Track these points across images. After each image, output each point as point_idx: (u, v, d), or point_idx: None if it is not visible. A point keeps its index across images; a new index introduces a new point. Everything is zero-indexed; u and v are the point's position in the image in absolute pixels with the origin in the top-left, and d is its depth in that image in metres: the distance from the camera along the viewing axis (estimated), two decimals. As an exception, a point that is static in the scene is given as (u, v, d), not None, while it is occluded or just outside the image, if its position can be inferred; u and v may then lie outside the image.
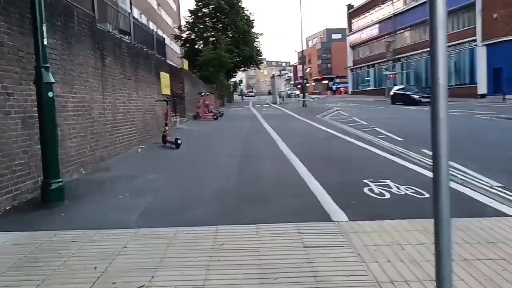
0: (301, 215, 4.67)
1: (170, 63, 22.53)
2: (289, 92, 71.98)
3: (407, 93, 31.16)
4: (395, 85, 45.73)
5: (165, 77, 15.28)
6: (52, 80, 5.35)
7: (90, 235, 4.16)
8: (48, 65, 5.30)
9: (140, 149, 10.44)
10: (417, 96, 29.43)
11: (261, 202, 5.37)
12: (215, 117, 21.47)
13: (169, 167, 8.24)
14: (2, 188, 5.14)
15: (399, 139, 11.35)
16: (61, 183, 5.39)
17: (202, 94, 22.36)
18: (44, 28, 5.23)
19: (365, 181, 6.15)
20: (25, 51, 5.77)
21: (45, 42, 5.25)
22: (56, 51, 6.80)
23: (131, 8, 20.06)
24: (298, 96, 61.37)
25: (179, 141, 10.60)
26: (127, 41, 11.30)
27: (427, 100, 25.96)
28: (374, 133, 13.00)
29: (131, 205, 5.36)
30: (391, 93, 34.02)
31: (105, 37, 9.26)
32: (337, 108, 28.45)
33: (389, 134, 12.44)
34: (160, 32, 53.54)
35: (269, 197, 5.61)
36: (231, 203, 5.38)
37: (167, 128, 11.26)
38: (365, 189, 5.72)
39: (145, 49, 13.03)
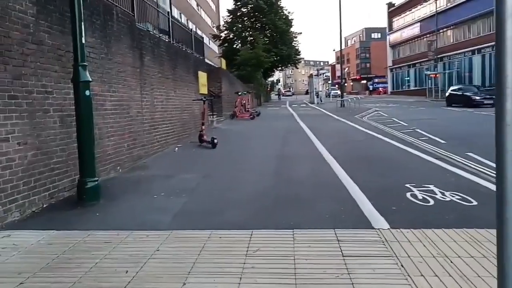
0: (339, 221, 4.46)
1: (209, 62, 22.69)
2: (330, 92, 67.88)
3: (466, 94, 27.92)
4: (436, 85, 44.30)
5: (202, 76, 15.31)
6: (89, 78, 5.35)
7: (124, 236, 4.10)
8: (85, 63, 5.31)
9: (177, 148, 10.45)
10: (478, 98, 26.51)
11: (297, 205, 5.19)
12: (251, 116, 21.39)
13: (204, 167, 8.18)
14: (40, 185, 5.19)
15: (442, 141, 10.86)
16: (96, 182, 5.39)
17: (239, 93, 22.34)
18: (83, 27, 5.24)
19: (407, 185, 5.85)
20: (64, 49, 5.82)
21: (83, 41, 5.26)
22: (95, 50, 6.86)
23: (170, 8, 20.28)
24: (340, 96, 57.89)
25: (215, 141, 10.55)
26: (166, 40, 11.35)
27: (490, 102, 24.09)
28: (415, 135, 12.52)
29: (166, 205, 5.29)
30: (447, 94, 31.07)
31: (144, 36, 9.32)
32: (376, 109, 27.78)
33: (431, 136, 11.95)
34: (199, 32, 54.31)
35: (306, 200, 5.42)
36: (267, 205, 5.22)
37: (203, 127, 11.23)
38: (408, 195, 5.43)
39: (183, 48, 13.08)
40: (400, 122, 17.48)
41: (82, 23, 5.23)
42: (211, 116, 17.85)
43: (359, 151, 9.77)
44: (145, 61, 9.31)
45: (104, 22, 7.23)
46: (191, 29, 15.47)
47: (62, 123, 5.72)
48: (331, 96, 58.43)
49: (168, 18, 11.75)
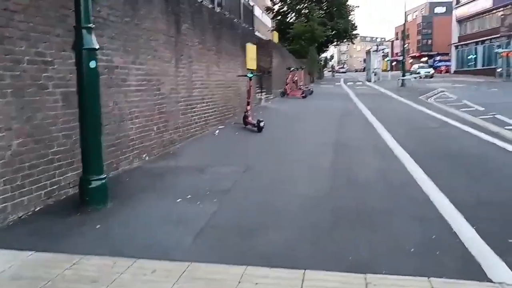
0: (431, 260, 3.02)
1: (260, 35, 21.12)
2: (418, 70, 47.68)
3: None
4: (508, 65, 40.28)
5: (251, 49, 13.86)
6: (96, 45, 4.08)
7: (121, 268, 2.87)
8: (91, 25, 4.04)
9: (217, 131, 9.18)
10: None
11: (365, 225, 3.76)
12: (303, 95, 19.74)
13: (246, 157, 6.85)
14: (32, 183, 4.04)
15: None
16: (103, 181, 4.17)
17: (291, 69, 20.69)
18: (88, -25, 3.96)
19: (521, 201, 4.25)
20: (71, 8, 4.56)
21: (89, -5, 3.99)
22: (116, 12, 5.59)
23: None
24: (431, 76, 44.48)
25: (261, 124, 9.17)
26: (209, 6, 9.96)
27: None
28: (499, 123, 10.53)
29: (190, 216, 4.02)
30: None
31: (181, -1, 7.96)
32: (442, 89, 25.18)
33: (521, 125, 9.97)
34: (251, 3, 52.69)
35: (376, 217, 3.96)
36: (323, 222, 3.83)
37: (249, 108, 9.87)
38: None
39: (229, 17, 11.65)
40: (474, 106, 15.29)
41: (87, -30, 3.95)
42: (260, 94, 16.44)
43: (435, 143, 8.05)
44: (183, 29, 7.99)
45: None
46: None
47: (66, 103, 4.52)
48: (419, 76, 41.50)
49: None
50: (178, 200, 4.47)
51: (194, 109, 8.60)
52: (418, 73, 43.82)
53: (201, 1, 9.22)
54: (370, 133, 9.02)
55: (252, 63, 13.86)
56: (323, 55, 69.54)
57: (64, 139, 4.51)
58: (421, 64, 57.55)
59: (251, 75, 9.90)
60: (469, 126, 9.91)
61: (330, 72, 69.29)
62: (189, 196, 4.59)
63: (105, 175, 4.26)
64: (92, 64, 4.04)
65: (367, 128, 9.69)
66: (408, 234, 3.52)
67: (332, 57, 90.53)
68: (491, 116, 12.13)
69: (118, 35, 5.62)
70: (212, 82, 9.81)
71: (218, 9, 10.61)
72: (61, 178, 4.46)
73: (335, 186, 5.02)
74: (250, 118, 9.73)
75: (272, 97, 18.49)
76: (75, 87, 4.26)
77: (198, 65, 8.85)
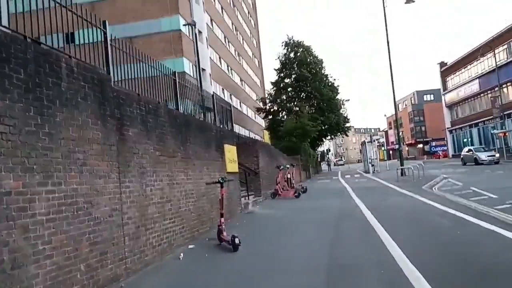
0: None
1: (255, 136, 20.10)
2: (482, 156, 34.70)
3: None
4: (506, 144, 39.30)
5: (231, 150, 12.52)
6: None
7: None
8: None
9: (182, 255, 7.37)
10: None
11: None
12: (296, 194, 18.09)
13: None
14: None
15: None
16: None
17: (281, 167, 19.30)
18: None
19: None
20: None
21: None
22: (10, 120, 4.17)
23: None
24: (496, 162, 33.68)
25: (236, 241, 7.41)
26: (170, 108, 8.72)
27: None
28: (523, 214, 8.81)
29: None
30: None
31: (124, 99, 6.65)
32: (444, 176, 23.62)
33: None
34: (244, 107, 53.37)
35: None
36: None
37: (222, 220, 8.16)
38: None
39: (199, 118, 10.43)
40: (485, 193, 13.60)
41: None
42: (246, 197, 14.81)
43: (457, 254, 6.17)
44: (129, 135, 6.60)
45: (33, 70, 4.62)
46: (213, 93, 12.89)
47: None
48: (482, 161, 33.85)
49: (174, 80, 9.15)
50: None
51: (150, 230, 6.91)
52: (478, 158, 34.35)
53: (158, 102, 7.95)
54: (371, 243, 7.22)
55: (232, 166, 12.43)
56: (319, 149, 69.26)
57: None
58: (475, 147, 41.07)
59: (223, 181, 8.34)
60: (489, 222, 8.17)
61: (327, 166, 68.35)
62: None
63: None
64: None
65: (368, 237, 7.90)
66: None
67: (328, 150, 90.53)
68: (510, 205, 10.44)
69: (11, 151, 4.14)
70: (178, 194, 8.24)
71: (183, 111, 9.32)
72: None
73: None
74: (225, 234, 7.98)
75: (261, 199, 16.81)
76: None
77: (155, 176, 7.34)
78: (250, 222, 11.39)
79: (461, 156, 38.42)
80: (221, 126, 12.48)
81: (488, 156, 34.72)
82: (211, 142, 10.85)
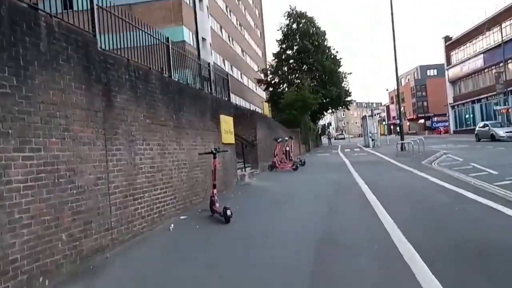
0: None
1: (256, 108, 19.74)
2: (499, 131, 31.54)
3: None
4: (508, 121, 38.89)
5: (227, 121, 12.24)
6: None
7: None
8: None
9: (172, 226, 7.19)
10: None
11: None
12: (294, 167, 17.90)
13: (199, 271, 4.84)
14: None
15: None
16: None
17: (279, 140, 19.03)
18: None
19: None
20: None
21: None
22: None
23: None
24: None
25: (228, 212, 7.23)
26: (163, 75, 8.38)
27: None
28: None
29: None
30: None
31: (112, 63, 6.33)
32: (445, 151, 23.35)
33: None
34: (245, 78, 52.68)
35: None
36: None
37: (215, 191, 7.97)
38: None
39: (194, 86, 10.09)
40: (485, 169, 13.40)
41: None
42: (243, 169, 14.62)
43: (456, 231, 5.95)
44: (118, 101, 6.31)
45: (8, 28, 4.30)
46: (209, 62, 12.47)
47: None
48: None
49: (167, 46, 8.78)
50: None
51: (138, 200, 6.70)
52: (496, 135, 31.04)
53: (149, 68, 7.62)
54: (368, 219, 7.01)
55: (228, 137, 12.18)
56: (320, 122, 68.78)
57: None
58: (492, 122, 36.52)
59: (216, 151, 8.10)
60: (488, 199, 7.96)
61: (328, 139, 68.00)
62: None
63: None
64: None
65: (365, 212, 7.70)
66: None
67: (330, 124, 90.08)
68: (510, 181, 10.24)
69: (-17, 112, 3.88)
70: (170, 163, 8.01)
71: (175, 77, 8.99)
72: None
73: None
74: (217, 205, 7.80)
75: (258, 171, 16.62)
76: None
77: (145, 144, 7.09)
78: (245, 194, 11.22)
79: (475, 132, 34.26)
80: (218, 96, 12.14)
81: (506, 132, 30.77)
82: (206, 111, 10.56)
